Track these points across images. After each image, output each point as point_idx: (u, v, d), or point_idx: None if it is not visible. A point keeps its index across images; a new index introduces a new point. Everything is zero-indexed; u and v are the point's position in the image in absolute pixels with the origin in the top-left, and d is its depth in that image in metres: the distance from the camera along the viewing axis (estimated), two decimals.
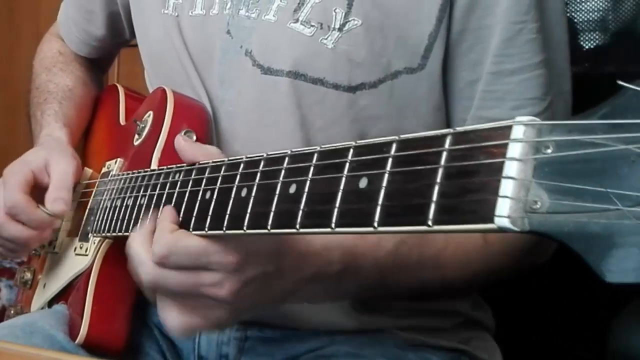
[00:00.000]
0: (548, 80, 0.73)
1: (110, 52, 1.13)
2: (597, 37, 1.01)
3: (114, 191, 0.81)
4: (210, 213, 0.59)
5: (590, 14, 1.00)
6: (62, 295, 0.90)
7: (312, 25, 0.75)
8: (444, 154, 0.38)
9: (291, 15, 0.76)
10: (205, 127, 0.80)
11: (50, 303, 0.93)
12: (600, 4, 1.02)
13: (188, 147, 0.69)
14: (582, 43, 1.00)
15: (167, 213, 0.64)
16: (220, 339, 0.84)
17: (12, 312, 1.07)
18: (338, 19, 0.74)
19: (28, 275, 1.03)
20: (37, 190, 0.87)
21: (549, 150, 0.33)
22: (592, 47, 0.99)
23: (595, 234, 0.30)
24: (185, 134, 0.78)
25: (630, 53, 1.00)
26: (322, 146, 0.48)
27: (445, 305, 0.84)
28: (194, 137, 0.78)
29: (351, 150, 0.45)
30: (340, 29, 0.74)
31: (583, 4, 1.01)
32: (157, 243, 0.61)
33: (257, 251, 0.60)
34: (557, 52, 0.76)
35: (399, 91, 0.75)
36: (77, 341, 0.78)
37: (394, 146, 0.42)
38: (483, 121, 0.72)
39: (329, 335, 0.82)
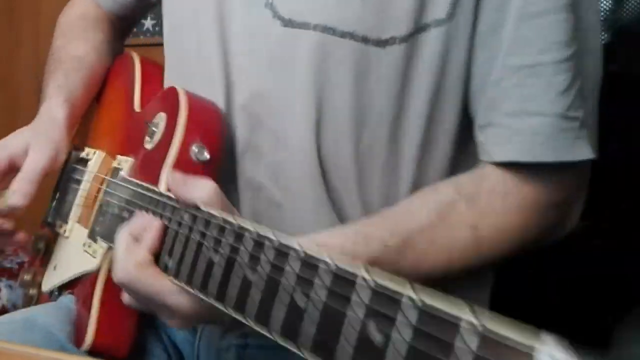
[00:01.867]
0: (574, 27, 0.69)
1: (134, 13, 1.09)
2: (601, 35, 0.96)
3: (123, 200, 0.78)
4: (218, 285, 0.56)
5: None
6: (70, 284, 0.90)
7: None
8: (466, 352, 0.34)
9: None
10: (220, 137, 0.76)
11: (60, 288, 0.93)
12: (603, 3, 0.99)
13: (178, 189, 0.65)
14: None
15: (150, 239, 0.65)
16: (220, 345, 0.84)
17: (25, 277, 1.07)
18: None
19: (41, 245, 1.03)
20: (14, 174, 0.86)
21: None
22: None
23: None
24: (197, 149, 0.74)
25: (633, 52, 0.98)
26: (336, 265, 0.44)
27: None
28: (206, 155, 0.74)
29: (366, 291, 0.41)
30: None
31: None
32: (119, 269, 0.65)
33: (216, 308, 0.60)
34: (584, 4, 0.71)
35: (427, 46, 0.71)
36: (82, 349, 0.78)
37: (415, 313, 0.38)
38: (510, 70, 0.70)
39: None
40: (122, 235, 0.67)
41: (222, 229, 0.57)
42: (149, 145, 0.80)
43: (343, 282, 0.43)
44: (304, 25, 0.72)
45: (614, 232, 0.99)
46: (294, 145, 0.75)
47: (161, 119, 0.79)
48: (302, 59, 0.73)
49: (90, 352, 0.79)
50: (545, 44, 0.69)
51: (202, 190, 0.64)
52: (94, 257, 0.82)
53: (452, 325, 0.35)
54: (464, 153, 0.77)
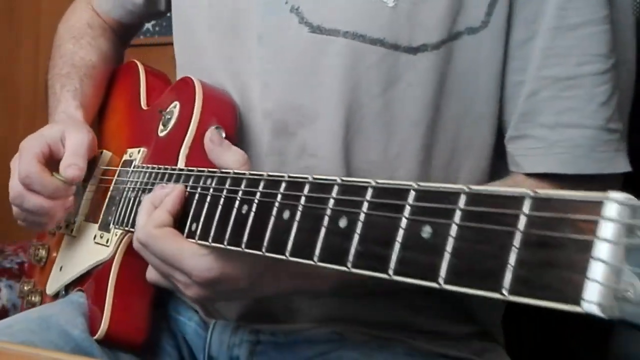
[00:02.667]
0: (613, 37, 0.69)
1: (140, 21, 1.11)
2: None
3: (139, 184, 0.79)
4: (247, 230, 0.57)
5: None
6: (78, 281, 0.89)
7: None
8: (523, 219, 0.36)
9: None
10: (234, 123, 0.78)
11: (67, 287, 0.92)
12: None
13: (215, 148, 0.68)
14: None
15: (171, 200, 0.66)
16: (231, 341, 0.83)
17: (25, 287, 1.06)
18: None
19: (42, 253, 1.02)
20: (54, 162, 0.86)
21: None
22: None
23: None
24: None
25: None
26: (378, 182, 0.46)
27: (462, 307, 0.82)
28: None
29: (412, 193, 0.43)
30: None
31: None
32: (141, 229, 0.65)
33: (232, 271, 0.62)
34: (621, 16, 0.71)
35: (459, 54, 0.71)
36: (97, 336, 0.77)
37: (462, 198, 0.39)
38: (545, 82, 0.70)
39: (338, 341, 0.81)
40: (144, 203, 0.68)
41: (254, 182, 0.58)
42: (163, 132, 0.82)
43: (387, 192, 0.45)
44: (333, 32, 0.72)
45: None
46: (321, 153, 0.75)
47: (176, 106, 0.81)
48: (331, 66, 0.73)
49: (105, 341, 0.78)
50: (584, 55, 0.68)
51: (235, 154, 0.66)
52: (107, 246, 0.83)
53: (503, 199, 0.37)
54: (495, 163, 0.77)
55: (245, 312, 0.83)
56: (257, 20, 0.77)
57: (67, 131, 0.87)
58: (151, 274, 0.70)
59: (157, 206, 0.67)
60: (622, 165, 0.71)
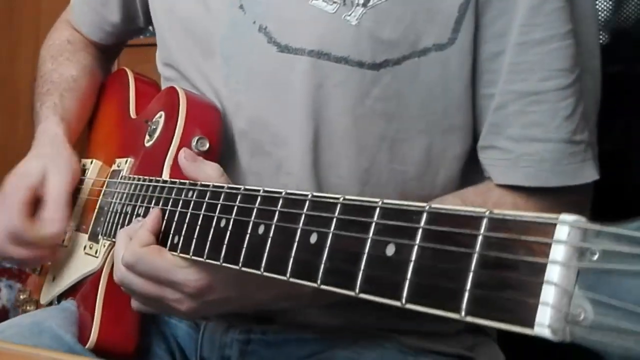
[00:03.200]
0: (575, 52, 0.70)
1: (122, 39, 1.10)
2: (601, 36, 0.98)
3: (125, 196, 0.79)
4: (225, 243, 0.57)
5: None
6: (70, 291, 0.90)
7: (335, 2, 0.71)
8: (480, 239, 0.36)
9: None
10: (218, 131, 0.78)
11: (59, 297, 0.93)
12: (604, 4, 1.00)
13: (187, 165, 0.69)
14: None
15: (150, 220, 0.67)
16: (222, 341, 0.84)
17: (21, 297, 1.07)
18: None
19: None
20: (37, 202, 0.87)
21: (595, 257, 0.31)
22: None
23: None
24: (197, 141, 0.76)
25: (634, 53, 0.99)
26: (346, 198, 0.46)
27: None
28: (207, 144, 0.76)
29: (377, 211, 0.43)
30: (364, 5, 0.70)
31: None
32: (128, 250, 0.66)
33: (221, 279, 0.63)
34: (585, 26, 0.72)
35: (427, 69, 0.71)
36: (87, 346, 0.78)
37: (424, 217, 0.40)
38: (512, 96, 0.71)
39: (330, 340, 0.81)
40: (120, 235, 0.69)
41: (232, 196, 0.59)
42: (149, 143, 0.82)
43: (354, 209, 0.45)
44: (299, 51, 0.73)
45: None
46: (295, 170, 0.76)
47: (161, 116, 0.82)
48: (299, 85, 0.73)
49: (96, 350, 0.79)
50: (547, 71, 0.69)
51: (210, 170, 0.68)
52: (96, 257, 0.83)
53: (463, 220, 0.37)
54: (470, 170, 0.78)
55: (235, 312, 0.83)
56: (226, 40, 0.78)
57: (48, 169, 0.88)
58: (136, 305, 0.70)
59: (131, 236, 0.68)
60: (588, 174, 0.72)
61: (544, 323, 0.32)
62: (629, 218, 0.31)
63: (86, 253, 0.86)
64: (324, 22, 0.72)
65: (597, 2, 0.99)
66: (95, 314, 0.79)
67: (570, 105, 0.70)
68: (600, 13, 0.99)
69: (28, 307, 1.02)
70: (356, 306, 0.79)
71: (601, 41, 0.99)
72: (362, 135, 0.74)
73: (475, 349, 0.84)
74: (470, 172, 0.77)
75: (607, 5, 1.00)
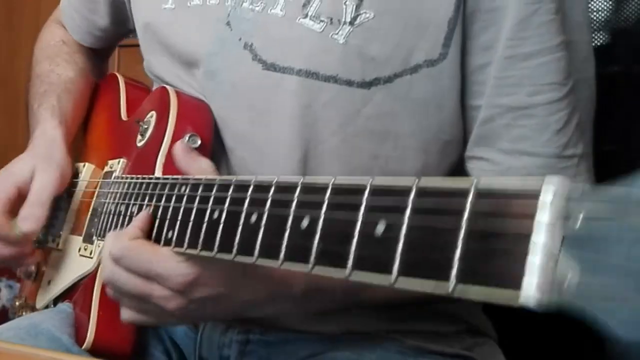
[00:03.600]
0: (568, 63, 0.68)
1: (114, 42, 1.11)
2: (601, 37, 0.99)
3: (118, 195, 0.79)
4: (219, 235, 0.58)
5: (594, 14, 0.98)
6: (66, 294, 0.90)
7: (322, 21, 0.71)
8: (467, 210, 0.36)
9: (300, 10, 0.72)
10: (209, 129, 0.78)
11: (55, 301, 0.93)
12: (604, 4, 1.00)
13: (182, 157, 0.69)
14: None
15: (139, 220, 0.67)
16: (221, 341, 0.84)
17: (17, 303, 1.06)
18: (349, 12, 0.70)
19: (31, 268, 1.03)
20: (23, 202, 0.87)
21: (579, 220, 0.32)
22: (596, 46, 0.96)
23: (627, 323, 0.29)
24: (189, 138, 0.76)
25: (634, 53, 0.99)
26: (337, 180, 0.47)
27: (444, 309, 0.83)
28: (198, 141, 0.76)
29: (367, 191, 0.43)
30: (351, 23, 0.70)
31: (587, 3, 0.97)
32: (115, 243, 0.65)
33: (209, 275, 0.63)
34: (578, 35, 0.71)
35: (419, 86, 0.71)
36: (83, 347, 0.78)
37: (412, 193, 0.40)
38: (499, 110, 0.70)
39: (330, 340, 0.81)
40: (109, 236, 0.69)
41: (224, 187, 0.59)
42: (141, 142, 0.83)
43: (344, 191, 0.45)
44: (287, 70, 0.72)
45: None
46: None
47: (152, 115, 0.82)
48: (286, 104, 0.73)
49: (92, 351, 0.79)
50: (537, 85, 0.68)
51: (204, 164, 0.69)
52: (91, 258, 0.83)
53: (449, 192, 0.38)
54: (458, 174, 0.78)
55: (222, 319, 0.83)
56: (212, 55, 0.77)
57: (37, 169, 0.88)
58: (126, 313, 0.69)
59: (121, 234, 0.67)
60: None
61: (530, 289, 0.32)
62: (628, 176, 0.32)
63: (81, 255, 0.86)
64: (311, 41, 0.71)
65: (597, 2, 0.99)
66: (91, 314, 0.79)
67: (562, 118, 0.69)
68: (600, 13, 0.99)
69: (24, 313, 1.02)
70: (355, 313, 0.79)
71: (601, 41, 0.99)
72: (354, 155, 0.73)
73: (475, 349, 0.83)
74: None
75: (607, 5, 0.99)
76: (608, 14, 0.99)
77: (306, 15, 0.72)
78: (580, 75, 0.71)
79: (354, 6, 0.70)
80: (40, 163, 0.89)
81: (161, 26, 0.83)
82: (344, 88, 0.71)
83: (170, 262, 0.63)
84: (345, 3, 0.71)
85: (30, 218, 0.85)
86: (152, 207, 0.68)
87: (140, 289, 0.65)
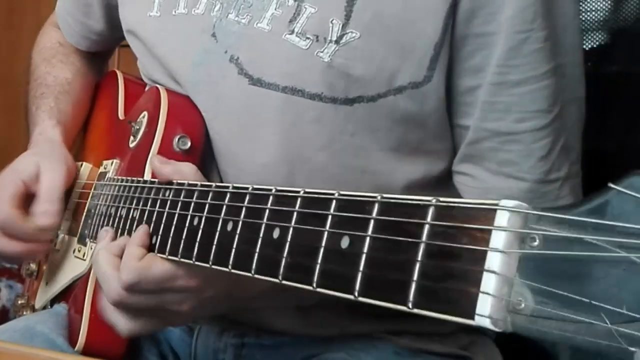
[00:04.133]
0: (556, 89, 0.69)
1: (111, 45, 1.10)
2: (599, 36, 0.97)
3: (109, 197, 0.79)
4: (197, 242, 0.57)
5: (593, 13, 0.96)
6: (62, 295, 0.90)
7: (308, 38, 0.70)
8: (426, 228, 0.35)
9: (286, 25, 0.71)
10: (200, 130, 0.77)
11: (53, 301, 0.93)
12: (603, 3, 0.98)
13: (160, 168, 0.68)
14: (584, 43, 0.96)
15: (138, 236, 0.65)
16: (216, 345, 0.83)
17: (19, 302, 1.07)
18: (335, 31, 0.69)
19: (33, 267, 1.03)
20: (30, 198, 0.85)
21: (535, 244, 0.30)
22: (594, 46, 0.95)
23: (582, 349, 0.28)
24: (179, 139, 0.75)
25: (632, 53, 0.98)
26: (306, 191, 0.45)
27: None
28: (188, 143, 0.75)
29: (334, 203, 0.42)
30: (337, 42, 0.69)
31: (585, 3, 0.97)
32: (125, 269, 0.62)
33: (213, 277, 0.62)
34: (569, 57, 0.71)
35: (402, 106, 0.70)
36: (75, 349, 0.78)
37: (376, 207, 0.39)
38: (486, 133, 0.70)
39: (325, 342, 0.80)
40: (102, 254, 0.65)
41: (204, 193, 0.58)
42: (133, 143, 0.82)
43: (313, 202, 0.44)
44: (273, 86, 0.71)
45: None
46: None
47: (144, 116, 0.81)
48: (271, 120, 0.72)
49: (85, 353, 0.78)
50: (524, 112, 0.68)
51: (185, 167, 0.67)
52: (84, 260, 0.83)
53: (410, 208, 0.36)
54: (450, 186, 0.77)
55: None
56: (197, 66, 0.76)
57: (42, 165, 0.87)
58: (130, 325, 0.65)
59: (116, 254, 0.65)
60: None
61: (484, 313, 0.31)
62: (587, 197, 0.30)
63: (75, 256, 0.86)
64: (296, 58, 0.70)
65: (595, 2, 0.97)
66: (84, 316, 0.78)
67: (547, 145, 0.69)
68: (599, 13, 0.98)
69: (24, 312, 1.02)
70: (351, 314, 0.78)
71: (600, 41, 0.97)
72: (341, 170, 0.73)
73: (471, 347, 0.83)
74: (452, 188, 0.77)
75: (606, 5, 0.99)
76: (607, 14, 0.98)
77: (292, 32, 0.71)
78: (571, 96, 0.71)
79: (341, 25, 0.69)
80: (44, 160, 0.88)
81: (146, 34, 0.82)
82: (328, 105, 0.70)
83: (182, 270, 0.62)
84: (331, 21, 0.69)
85: (48, 213, 0.84)
86: (144, 220, 0.67)
87: (155, 302, 0.64)
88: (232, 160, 0.75)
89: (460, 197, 0.74)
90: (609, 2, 0.98)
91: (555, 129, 0.69)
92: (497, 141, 0.70)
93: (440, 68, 0.69)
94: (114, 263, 0.64)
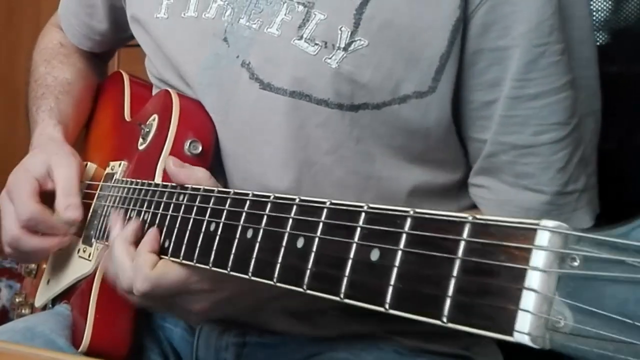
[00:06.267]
0: (574, 102, 0.69)
1: (114, 46, 1.09)
2: (600, 36, 0.98)
3: (118, 199, 0.79)
4: (214, 248, 0.57)
5: (594, 13, 0.97)
6: (64, 295, 0.90)
7: (317, 44, 0.70)
8: (462, 245, 0.36)
9: (295, 31, 0.72)
10: (211, 135, 0.78)
11: (54, 301, 0.93)
12: (604, 4, 0.99)
13: (176, 172, 0.68)
14: None
15: (149, 241, 0.66)
16: (218, 344, 0.83)
17: (17, 300, 1.07)
18: (343, 38, 0.70)
19: (32, 265, 1.03)
20: (43, 196, 0.85)
21: (575, 264, 0.31)
22: (596, 46, 0.96)
23: None
24: (190, 144, 0.75)
25: (633, 53, 0.98)
26: (333, 202, 0.46)
27: None
28: (200, 148, 0.75)
29: (362, 215, 0.43)
30: (345, 49, 0.70)
31: (595, 39, 0.96)
32: (138, 279, 0.64)
33: (227, 279, 0.61)
34: (586, 70, 0.72)
35: (406, 115, 0.71)
36: (80, 349, 0.78)
37: (408, 221, 0.39)
38: (504, 147, 0.71)
39: (327, 341, 0.81)
40: (119, 245, 0.67)
41: (221, 200, 0.59)
42: (142, 146, 0.82)
43: (340, 213, 0.45)
44: (281, 91, 0.72)
45: None
46: None
47: (155, 119, 0.81)
48: (280, 124, 0.72)
49: (89, 354, 0.78)
50: (542, 125, 0.69)
51: (200, 173, 0.68)
52: (89, 260, 0.83)
53: (446, 224, 0.37)
54: (462, 197, 0.78)
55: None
56: (208, 69, 0.77)
57: (53, 162, 0.86)
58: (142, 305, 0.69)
59: (131, 241, 0.67)
60: (580, 222, 0.72)
61: (523, 330, 0.31)
62: (628, 218, 0.31)
63: (80, 256, 0.86)
64: (305, 64, 0.71)
65: (596, 2, 0.98)
66: (88, 317, 0.78)
67: (565, 157, 0.70)
68: (600, 13, 0.99)
69: (23, 310, 1.02)
70: (353, 314, 0.79)
71: (601, 41, 0.98)
72: (347, 175, 0.73)
73: (473, 348, 0.84)
74: (463, 199, 0.77)
75: (607, 5, 0.99)
76: (608, 14, 0.99)
77: (301, 37, 0.71)
78: (587, 110, 0.72)
79: (349, 32, 0.70)
80: (53, 156, 0.88)
81: (157, 33, 0.82)
82: (335, 111, 0.71)
83: (195, 275, 0.63)
84: (340, 28, 0.70)
85: (73, 206, 0.84)
86: (156, 223, 0.67)
87: (169, 303, 0.66)
88: (239, 162, 0.76)
89: (470, 207, 0.76)
90: (610, 2, 0.99)
91: (573, 141, 0.70)
92: (515, 154, 0.71)
93: (445, 80, 0.70)
94: (130, 252, 0.66)
